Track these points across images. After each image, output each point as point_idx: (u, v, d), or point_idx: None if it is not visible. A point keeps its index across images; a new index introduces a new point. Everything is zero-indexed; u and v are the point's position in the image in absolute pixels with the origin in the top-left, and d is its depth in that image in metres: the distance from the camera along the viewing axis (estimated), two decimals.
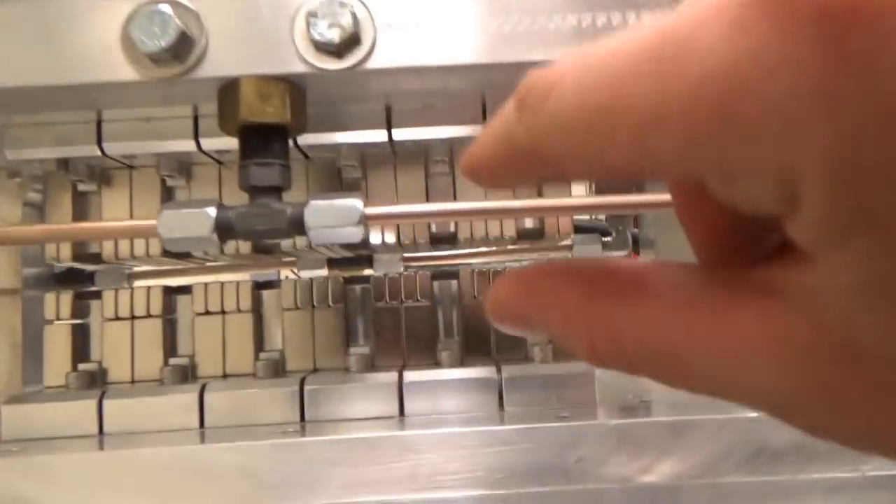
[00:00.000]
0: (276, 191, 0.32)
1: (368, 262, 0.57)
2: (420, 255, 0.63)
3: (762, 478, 0.33)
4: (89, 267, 0.48)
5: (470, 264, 0.59)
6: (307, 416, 0.39)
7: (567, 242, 0.63)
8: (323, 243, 0.35)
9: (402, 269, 0.63)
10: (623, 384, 0.45)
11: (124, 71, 0.31)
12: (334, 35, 0.30)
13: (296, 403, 0.39)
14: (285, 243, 0.43)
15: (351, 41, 0.31)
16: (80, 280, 0.51)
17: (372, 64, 0.31)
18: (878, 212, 0.10)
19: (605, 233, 0.64)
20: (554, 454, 0.34)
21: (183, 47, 0.31)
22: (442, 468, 0.34)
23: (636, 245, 0.64)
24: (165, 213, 0.31)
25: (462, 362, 0.43)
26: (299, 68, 0.31)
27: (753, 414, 0.34)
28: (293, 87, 0.32)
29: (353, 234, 0.32)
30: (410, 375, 0.40)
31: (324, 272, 0.57)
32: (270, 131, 0.32)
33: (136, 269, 0.52)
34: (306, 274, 0.57)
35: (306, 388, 0.40)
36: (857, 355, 0.11)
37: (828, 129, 0.09)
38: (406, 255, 0.61)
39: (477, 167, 0.15)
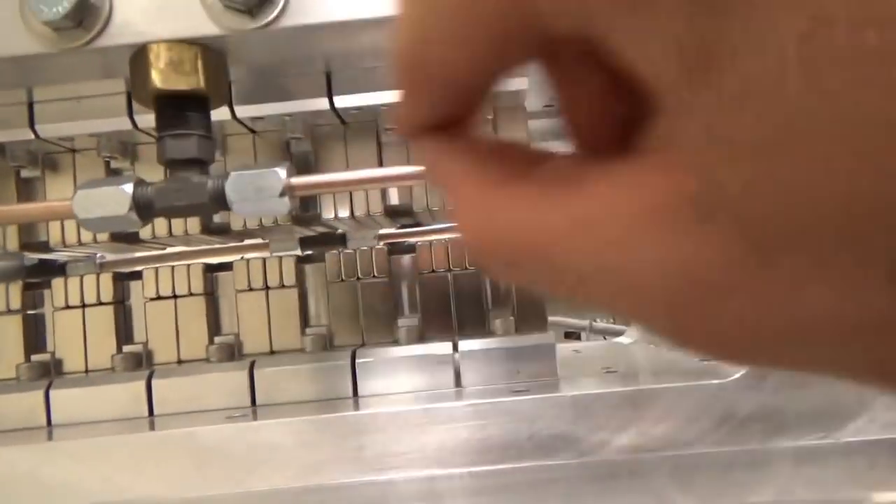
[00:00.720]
0: (198, 163, 0.31)
1: (342, 240, 0.55)
2: (393, 231, 0.62)
3: (726, 448, 0.31)
4: (49, 256, 0.47)
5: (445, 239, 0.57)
6: (260, 400, 0.38)
7: None
8: (249, 216, 0.33)
9: (377, 245, 0.62)
10: (587, 359, 0.43)
11: (25, 43, 0.29)
12: None
13: (248, 387, 0.38)
14: (235, 223, 0.42)
15: None
16: (51, 272, 0.50)
17: (286, 22, 0.29)
18: None
19: None
20: (508, 430, 0.32)
21: (85, 14, 0.29)
22: (390, 449, 0.32)
23: None
24: (80, 192, 0.30)
25: (422, 338, 0.41)
26: (209, 30, 0.29)
27: (717, 381, 0.32)
28: (207, 51, 0.30)
29: (279, 205, 0.30)
30: (365, 354, 0.38)
31: (297, 252, 0.55)
32: (186, 100, 0.30)
33: (109, 258, 0.51)
34: (278, 254, 0.55)
35: (259, 370, 0.38)
36: (712, 213, 0.09)
37: None
38: (381, 231, 0.60)
39: (398, 117, 0.14)
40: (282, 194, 0.30)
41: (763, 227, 0.09)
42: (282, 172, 0.30)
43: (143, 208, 0.30)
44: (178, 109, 0.30)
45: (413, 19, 0.12)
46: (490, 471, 0.31)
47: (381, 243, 0.62)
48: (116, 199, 0.30)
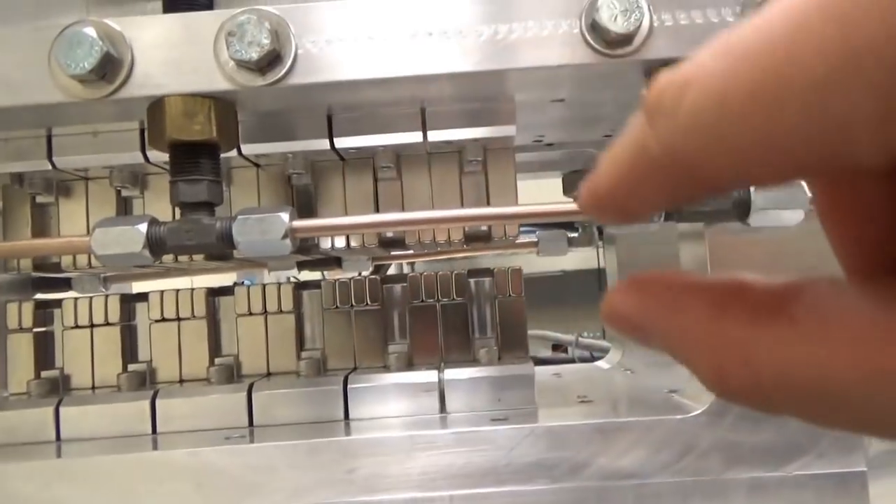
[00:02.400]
0: (207, 206, 0.33)
1: (337, 261, 0.58)
2: (389, 254, 0.64)
3: (687, 478, 0.34)
4: (60, 275, 0.49)
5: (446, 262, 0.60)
6: (257, 421, 0.41)
7: (532, 239, 0.64)
8: (253, 256, 0.36)
9: (370, 268, 0.64)
10: (566, 385, 0.46)
11: (52, 94, 0.32)
12: (253, 53, 0.31)
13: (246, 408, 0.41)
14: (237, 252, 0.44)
15: (272, 58, 0.31)
16: (56, 285, 0.52)
17: (293, 80, 0.32)
18: None
19: (570, 228, 0.65)
20: (487, 457, 0.35)
21: (108, 68, 0.31)
22: (379, 472, 0.35)
23: (602, 239, 0.65)
24: (98, 230, 0.32)
25: (411, 363, 0.44)
26: (222, 86, 0.32)
27: (681, 416, 0.35)
28: (218, 103, 0.32)
29: (281, 247, 0.33)
30: (356, 380, 0.41)
31: (294, 272, 0.58)
32: (197, 148, 0.32)
33: (111, 273, 0.54)
34: (277, 275, 0.58)
35: (257, 393, 0.41)
36: None
37: None
38: (375, 256, 0.62)
39: (600, 195, 0.13)
40: (284, 237, 0.32)
41: None
42: (285, 217, 0.32)
43: (156, 246, 0.33)
44: (191, 156, 0.33)
45: (714, 120, 0.11)
46: (470, 494, 0.34)
47: (374, 265, 0.65)
48: (132, 237, 0.32)
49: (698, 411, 0.35)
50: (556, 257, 0.61)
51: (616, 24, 0.31)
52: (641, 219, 0.14)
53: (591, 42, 0.31)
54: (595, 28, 0.31)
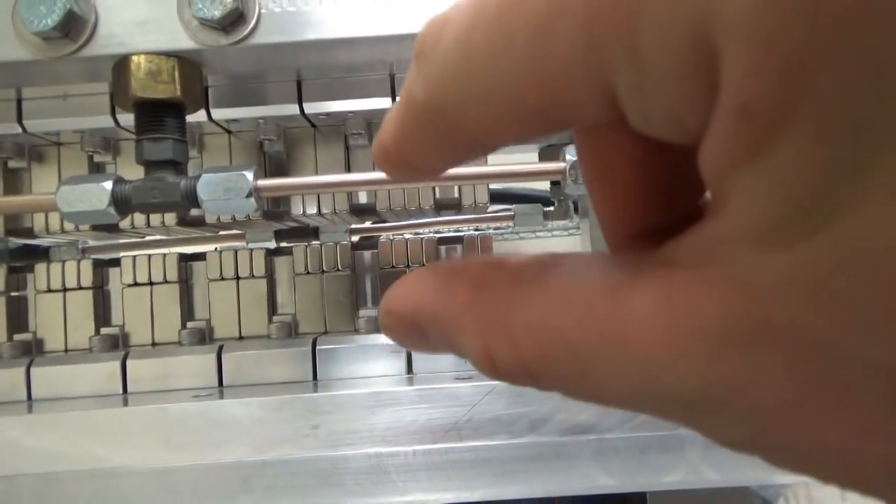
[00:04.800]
0: (172, 164, 0.34)
1: (315, 232, 0.58)
2: (365, 226, 0.65)
3: (643, 433, 0.35)
4: (34, 241, 0.49)
5: (417, 234, 0.60)
6: (227, 382, 0.41)
7: (509, 213, 0.64)
8: (218, 214, 0.36)
9: (348, 239, 0.65)
10: None
11: (15, 50, 0.32)
12: (216, 12, 0.31)
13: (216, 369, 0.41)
14: (209, 217, 0.45)
15: (235, 17, 0.32)
16: (34, 255, 0.53)
17: (257, 39, 0.32)
18: (820, 87, 0.07)
19: (546, 202, 0.65)
20: (449, 413, 0.36)
21: (72, 26, 0.32)
22: (342, 427, 0.36)
23: (577, 212, 0.65)
24: (63, 188, 0.33)
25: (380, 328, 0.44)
26: (186, 44, 0.32)
27: None
28: (183, 62, 0.33)
29: (246, 205, 0.33)
30: (325, 342, 0.41)
31: (271, 244, 0.58)
32: (162, 107, 0.33)
33: (91, 243, 0.54)
34: (254, 245, 0.58)
35: (226, 354, 0.41)
36: (776, 340, 0.09)
37: None
38: (353, 226, 0.63)
39: (386, 148, 0.13)
40: (248, 195, 0.33)
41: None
42: (249, 175, 0.33)
43: (121, 204, 0.33)
44: (155, 115, 0.33)
45: (460, 64, 0.10)
46: (432, 449, 0.35)
47: (352, 237, 0.65)
48: (97, 194, 0.33)
49: None
50: (542, 242, 0.61)
51: None
52: (430, 174, 0.13)
53: None
54: None
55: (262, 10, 0.32)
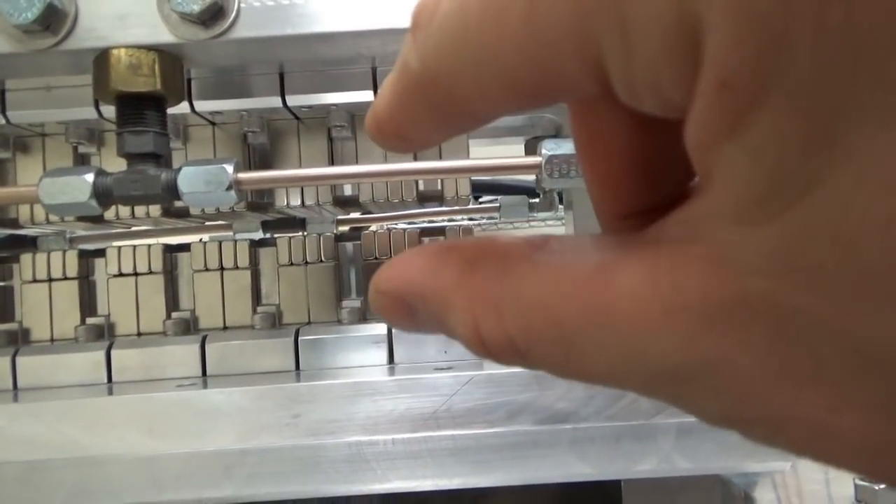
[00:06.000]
0: (153, 157, 0.34)
1: (301, 223, 0.58)
2: (352, 217, 0.65)
3: (618, 423, 0.35)
4: (21, 231, 0.50)
5: (399, 226, 0.61)
6: (211, 371, 0.42)
7: (495, 204, 0.65)
8: (199, 207, 0.36)
9: (334, 230, 0.65)
10: None
11: None
12: (195, 6, 0.31)
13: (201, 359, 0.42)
14: (193, 208, 0.45)
15: (214, 11, 0.32)
16: (23, 245, 0.53)
17: (236, 34, 0.32)
18: (797, 61, 0.07)
19: (532, 194, 0.66)
20: (428, 403, 0.36)
21: (52, 19, 0.32)
22: (323, 417, 0.36)
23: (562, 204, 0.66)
24: (45, 180, 0.33)
25: (364, 318, 0.45)
26: (166, 38, 0.32)
27: None
28: (164, 56, 0.33)
29: (226, 198, 0.33)
30: (308, 332, 0.42)
31: (258, 234, 0.59)
32: (143, 100, 0.33)
33: (79, 233, 0.54)
34: (240, 236, 0.59)
35: (210, 344, 0.42)
36: (755, 314, 0.09)
37: None
38: (340, 217, 0.63)
39: (379, 119, 0.13)
40: (229, 188, 0.33)
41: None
42: (229, 168, 0.33)
43: (103, 196, 0.33)
44: (136, 108, 0.33)
45: (454, 35, 0.10)
46: (410, 438, 0.36)
47: (339, 228, 0.66)
48: (78, 186, 0.33)
49: None
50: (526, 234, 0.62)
51: None
52: (424, 146, 0.13)
53: None
54: None
55: (242, 5, 0.32)
